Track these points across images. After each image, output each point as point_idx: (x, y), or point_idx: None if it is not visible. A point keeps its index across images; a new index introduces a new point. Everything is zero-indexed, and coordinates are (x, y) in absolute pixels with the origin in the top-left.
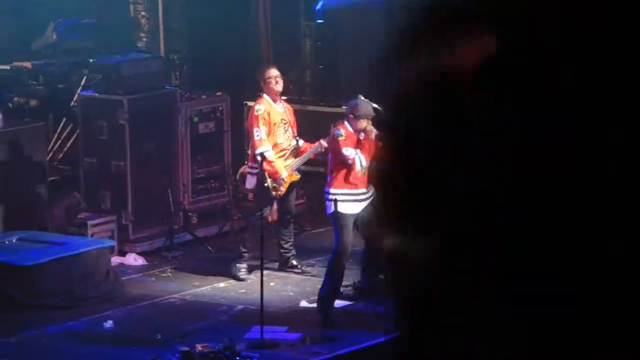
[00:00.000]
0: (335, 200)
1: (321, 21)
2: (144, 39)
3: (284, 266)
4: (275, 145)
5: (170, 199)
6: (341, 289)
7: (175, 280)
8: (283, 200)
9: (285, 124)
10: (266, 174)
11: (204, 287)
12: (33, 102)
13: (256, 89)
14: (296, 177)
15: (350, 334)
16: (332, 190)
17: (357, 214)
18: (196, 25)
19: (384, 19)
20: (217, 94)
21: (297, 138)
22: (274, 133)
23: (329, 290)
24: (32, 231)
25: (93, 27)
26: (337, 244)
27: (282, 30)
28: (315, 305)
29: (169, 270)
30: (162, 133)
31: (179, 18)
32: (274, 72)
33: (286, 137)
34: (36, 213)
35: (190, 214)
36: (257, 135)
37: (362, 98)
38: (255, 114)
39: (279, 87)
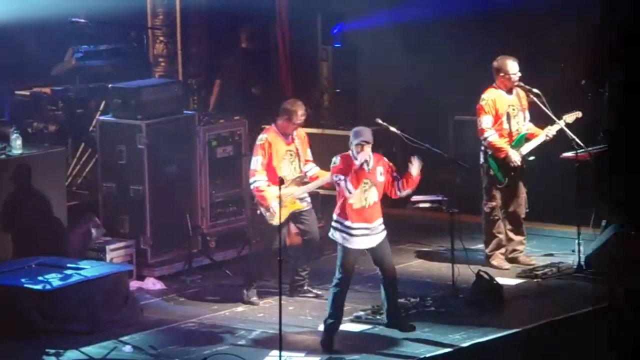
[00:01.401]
0: (337, 229)
1: (339, 45)
2: (162, 64)
3: (295, 292)
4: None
5: (189, 223)
6: (359, 314)
7: (193, 304)
8: (303, 228)
9: (291, 155)
10: (258, 201)
11: (222, 311)
12: (52, 128)
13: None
14: (300, 205)
15: (368, 358)
16: (335, 218)
17: (369, 248)
18: (214, 49)
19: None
20: (235, 118)
21: (305, 172)
22: (278, 165)
23: (331, 317)
24: (51, 256)
25: (112, 53)
26: (338, 273)
27: (300, 54)
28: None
29: (187, 294)
30: (181, 157)
31: (196, 43)
32: (300, 111)
33: (292, 169)
34: (55, 238)
35: (208, 238)
36: (253, 165)
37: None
38: (257, 142)
39: (292, 129)
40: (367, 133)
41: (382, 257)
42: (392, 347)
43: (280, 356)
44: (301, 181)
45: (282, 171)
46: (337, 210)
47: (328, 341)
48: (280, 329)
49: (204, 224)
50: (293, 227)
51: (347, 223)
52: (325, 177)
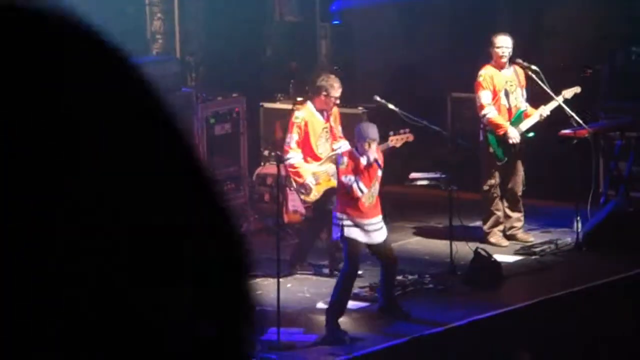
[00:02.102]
0: (342, 225)
1: (337, 22)
2: (160, 41)
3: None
4: (315, 157)
5: None
6: (357, 290)
7: None
8: (326, 206)
9: (327, 132)
10: (291, 178)
11: None
12: None
13: (275, 90)
14: (334, 182)
15: (366, 336)
16: (338, 215)
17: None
18: (212, 26)
19: (396, 17)
20: (233, 95)
21: (336, 149)
22: (315, 144)
23: (336, 307)
24: None
25: (108, 30)
26: (347, 266)
27: (299, 31)
28: None
29: None
30: None
31: (195, 19)
32: (336, 84)
33: (327, 147)
34: None
35: None
36: (287, 142)
37: (378, 99)
38: (293, 120)
39: (331, 106)
40: (374, 130)
41: (384, 246)
42: (390, 324)
43: (278, 333)
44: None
45: (319, 149)
46: (344, 207)
47: (336, 323)
48: (278, 306)
49: None
50: (291, 205)
51: (364, 221)
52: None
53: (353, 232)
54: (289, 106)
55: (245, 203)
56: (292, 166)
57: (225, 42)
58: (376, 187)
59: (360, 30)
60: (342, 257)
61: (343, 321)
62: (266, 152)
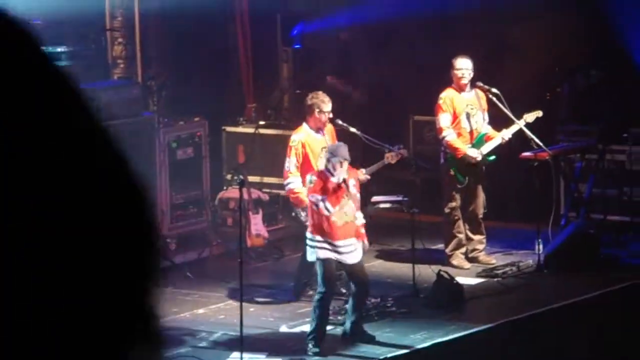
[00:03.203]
0: (316, 247)
1: (298, 46)
2: (121, 65)
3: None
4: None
5: None
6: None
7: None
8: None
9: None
10: (291, 204)
11: (183, 313)
12: None
13: (236, 114)
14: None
15: (330, 359)
16: (309, 236)
17: (345, 264)
18: (173, 51)
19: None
20: (195, 119)
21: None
22: (316, 164)
23: (317, 332)
24: None
25: (69, 55)
26: (323, 288)
27: (261, 55)
28: (295, 330)
29: None
30: (140, 159)
31: (156, 44)
32: (325, 98)
33: (340, 215)
34: None
35: (168, 240)
36: (287, 166)
37: (340, 122)
38: (290, 144)
39: (324, 121)
40: (344, 150)
41: (360, 269)
42: (353, 347)
43: (241, 358)
44: None
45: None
46: (314, 229)
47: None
48: (241, 331)
49: (164, 226)
50: (254, 229)
51: (335, 242)
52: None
53: (327, 254)
54: (250, 130)
55: (207, 227)
56: (291, 191)
57: (187, 66)
58: (350, 207)
59: (322, 53)
60: (313, 279)
61: (304, 344)
62: (229, 176)
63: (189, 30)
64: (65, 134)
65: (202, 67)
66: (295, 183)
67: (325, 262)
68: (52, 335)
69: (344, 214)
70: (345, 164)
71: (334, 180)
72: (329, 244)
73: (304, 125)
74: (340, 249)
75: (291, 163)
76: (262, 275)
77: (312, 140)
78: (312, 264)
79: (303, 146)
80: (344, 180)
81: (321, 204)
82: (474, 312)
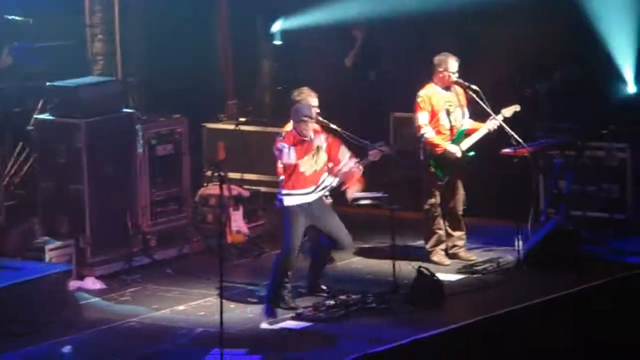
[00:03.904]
0: (282, 198)
1: (279, 42)
2: (101, 62)
3: (313, 291)
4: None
5: (129, 222)
6: (301, 311)
7: (134, 303)
8: (321, 225)
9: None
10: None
11: (163, 310)
12: None
13: (218, 111)
14: (329, 201)
15: (310, 355)
16: (284, 191)
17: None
18: (154, 47)
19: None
20: (175, 116)
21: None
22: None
23: (273, 292)
24: None
25: (49, 51)
26: (286, 243)
27: (241, 51)
28: (275, 326)
29: (127, 293)
30: (120, 156)
31: (136, 40)
32: (315, 102)
33: (311, 164)
34: None
35: (149, 236)
36: (281, 170)
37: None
38: (278, 146)
39: (310, 126)
40: (306, 109)
41: (337, 224)
42: (332, 344)
43: (221, 354)
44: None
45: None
46: (286, 183)
47: (274, 312)
48: (221, 327)
49: (144, 222)
50: (234, 226)
51: (301, 191)
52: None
53: (293, 200)
54: (231, 126)
55: (187, 224)
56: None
57: (167, 62)
58: (321, 155)
59: (303, 49)
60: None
61: (285, 341)
62: (209, 173)
63: (169, 26)
64: None
65: (182, 64)
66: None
67: (292, 210)
68: None
69: (314, 162)
70: (311, 123)
71: (300, 137)
72: (298, 193)
73: (292, 130)
74: (308, 197)
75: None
76: (242, 272)
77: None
78: (323, 259)
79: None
80: (310, 138)
81: (285, 150)
82: (454, 308)
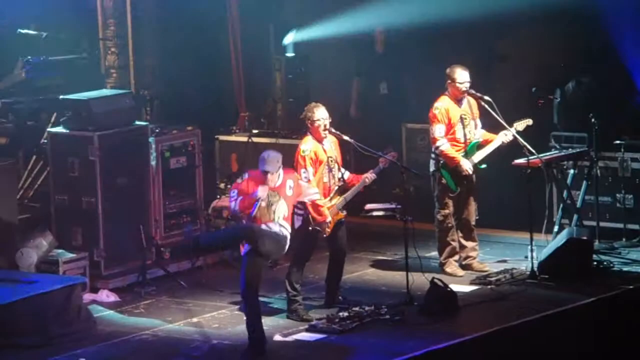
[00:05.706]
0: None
1: (291, 54)
2: (114, 75)
3: (331, 303)
4: (321, 185)
5: (143, 235)
6: (314, 323)
7: (148, 316)
8: (332, 240)
9: (332, 161)
10: (310, 217)
11: (177, 322)
12: (2, 140)
13: (231, 124)
14: (342, 214)
15: None
16: None
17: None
18: (166, 60)
19: (352, 50)
20: (188, 128)
21: (342, 172)
22: (321, 172)
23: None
24: (2, 270)
25: (62, 64)
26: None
27: (254, 64)
28: (289, 339)
29: (141, 306)
30: (134, 168)
31: (149, 53)
32: (323, 114)
33: (331, 176)
34: (7, 251)
35: (162, 249)
36: (305, 177)
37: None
38: (302, 154)
39: (325, 132)
40: (270, 164)
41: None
42: (346, 356)
43: None
44: (340, 191)
45: (324, 178)
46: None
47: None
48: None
49: (158, 235)
50: None
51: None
52: (357, 185)
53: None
54: (244, 138)
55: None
56: (315, 204)
57: (180, 75)
58: (280, 205)
59: (315, 61)
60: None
61: (299, 353)
62: (222, 185)
63: (181, 39)
64: None
65: (195, 76)
66: (317, 194)
67: (253, 255)
68: None
69: (272, 212)
70: (270, 176)
71: (257, 192)
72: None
73: (310, 136)
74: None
75: (309, 173)
76: None
77: (319, 150)
78: (339, 267)
79: (315, 155)
80: (261, 199)
81: (233, 197)
82: (468, 320)
